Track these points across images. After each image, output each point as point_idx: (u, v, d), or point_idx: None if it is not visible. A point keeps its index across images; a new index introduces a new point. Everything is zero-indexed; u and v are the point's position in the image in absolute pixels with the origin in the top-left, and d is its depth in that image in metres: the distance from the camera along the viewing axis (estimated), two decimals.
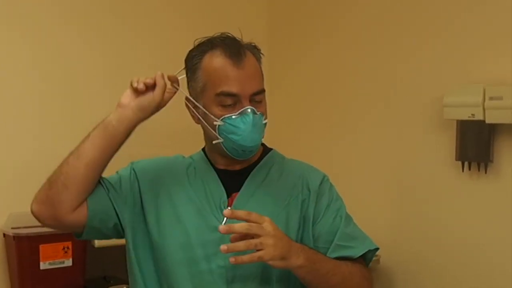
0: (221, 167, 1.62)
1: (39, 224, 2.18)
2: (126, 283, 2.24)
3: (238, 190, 1.59)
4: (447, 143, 2.05)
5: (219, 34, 1.58)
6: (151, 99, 1.50)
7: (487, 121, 1.88)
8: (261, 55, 1.61)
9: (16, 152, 2.27)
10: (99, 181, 1.58)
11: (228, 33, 1.58)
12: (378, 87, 2.32)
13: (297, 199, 1.61)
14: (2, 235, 2.19)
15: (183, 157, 1.70)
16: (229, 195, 1.59)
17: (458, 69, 2.03)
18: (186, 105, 1.60)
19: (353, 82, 2.42)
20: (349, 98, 2.44)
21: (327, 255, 1.57)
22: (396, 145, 2.24)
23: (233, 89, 1.51)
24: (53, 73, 2.35)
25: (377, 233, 2.05)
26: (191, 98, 1.56)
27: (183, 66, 1.60)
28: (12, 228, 2.16)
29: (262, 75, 1.59)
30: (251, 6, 2.78)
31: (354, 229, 1.66)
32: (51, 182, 1.56)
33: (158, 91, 1.50)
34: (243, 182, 1.61)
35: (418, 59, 2.16)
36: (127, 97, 1.53)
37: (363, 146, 2.37)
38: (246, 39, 1.58)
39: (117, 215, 1.58)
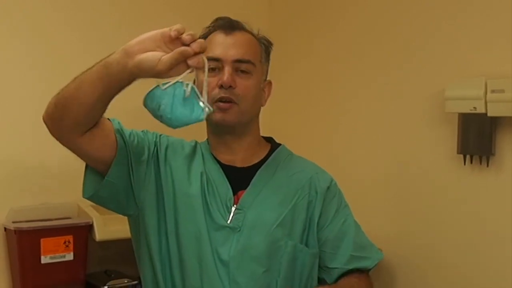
0: (223, 160, 1.62)
1: (40, 218, 2.21)
2: (127, 277, 2.26)
3: (245, 188, 1.59)
4: (448, 136, 2.04)
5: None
6: (155, 58, 1.25)
7: (489, 114, 1.87)
8: (265, 41, 1.64)
9: (17, 147, 2.26)
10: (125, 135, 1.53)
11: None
12: (379, 81, 2.31)
13: (304, 200, 1.60)
14: (3, 229, 2.19)
15: (197, 143, 1.69)
16: (235, 192, 1.58)
17: (460, 62, 2.02)
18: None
19: (354, 76, 2.42)
20: (350, 92, 2.43)
21: (343, 266, 1.59)
22: (397, 138, 2.24)
23: (216, 53, 1.54)
24: (53, 70, 2.34)
25: (378, 227, 2.06)
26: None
27: None
28: (13, 222, 2.16)
29: (258, 53, 1.61)
30: (252, 5, 2.77)
31: (363, 237, 1.67)
32: (55, 102, 1.48)
33: (172, 55, 1.23)
34: (248, 180, 1.60)
35: (419, 52, 2.16)
36: (141, 43, 1.28)
37: (365, 140, 2.36)
38: None
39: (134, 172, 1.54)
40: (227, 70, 1.53)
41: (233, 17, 1.65)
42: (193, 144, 1.67)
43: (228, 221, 1.53)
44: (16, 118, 2.27)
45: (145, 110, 1.38)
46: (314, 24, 2.59)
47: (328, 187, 1.64)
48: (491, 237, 1.95)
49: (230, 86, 1.53)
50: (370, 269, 1.66)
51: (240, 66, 1.55)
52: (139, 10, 2.53)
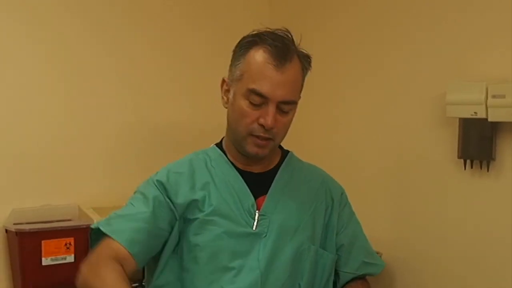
0: (240, 166, 1.60)
1: (41, 220, 2.21)
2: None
3: (264, 193, 1.58)
4: (449, 141, 2.05)
5: (275, 29, 1.54)
6: None
7: (489, 119, 1.87)
8: (309, 65, 1.58)
9: (19, 148, 2.27)
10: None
11: (286, 30, 1.54)
12: (380, 85, 2.31)
13: (321, 206, 1.61)
14: (4, 231, 2.19)
15: (196, 154, 1.64)
16: (255, 198, 1.56)
17: (461, 67, 2.03)
18: (221, 84, 1.59)
19: (354, 80, 2.42)
20: (350, 96, 2.44)
21: (354, 271, 1.62)
22: (398, 142, 2.24)
23: (264, 90, 1.47)
24: (56, 71, 2.35)
25: (378, 231, 2.06)
26: (226, 80, 1.56)
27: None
28: (15, 224, 2.16)
29: (301, 87, 1.56)
30: (253, 5, 2.78)
31: (370, 244, 1.69)
32: None
33: None
34: (267, 185, 1.58)
35: (420, 56, 2.16)
36: None
37: (365, 144, 2.36)
38: None
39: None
40: (271, 111, 1.48)
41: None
42: (194, 158, 1.63)
43: (254, 228, 1.53)
44: (18, 121, 2.28)
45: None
46: (313, 28, 2.59)
47: (341, 195, 1.67)
48: (491, 242, 1.95)
49: (271, 128, 1.50)
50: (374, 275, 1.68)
51: (284, 107, 1.50)
52: (141, 8, 2.54)
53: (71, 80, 2.38)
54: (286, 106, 1.51)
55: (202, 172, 1.58)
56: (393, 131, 2.26)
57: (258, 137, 1.51)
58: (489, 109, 1.87)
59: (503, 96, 1.83)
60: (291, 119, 1.56)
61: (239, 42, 1.56)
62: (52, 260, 2.15)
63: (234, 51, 1.56)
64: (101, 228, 1.51)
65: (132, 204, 1.55)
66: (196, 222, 1.52)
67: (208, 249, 1.50)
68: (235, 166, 1.59)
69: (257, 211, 1.54)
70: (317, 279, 1.57)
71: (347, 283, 1.64)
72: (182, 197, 1.53)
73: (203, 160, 1.61)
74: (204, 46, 2.61)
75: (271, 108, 1.48)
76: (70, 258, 2.19)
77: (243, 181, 1.57)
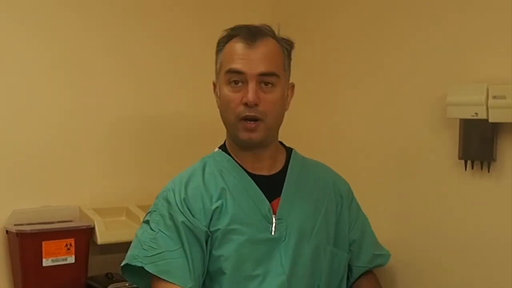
0: (250, 169, 1.59)
1: (42, 221, 2.21)
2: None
3: (275, 197, 1.57)
4: (450, 142, 2.05)
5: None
6: None
7: (490, 120, 1.87)
8: (289, 46, 1.61)
9: (19, 149, 2.27)
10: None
11: (265, 25, 1.60)
12: (381, 85, 2.31)
13: (332, 204, 1.62)
14: (5, 232, 2.19)
15: (203, 162, 1.62)
16: (269, 202, 1.57)
17: (461, 67, 2.02)
18: (213, 89, 1.60)
19: (354, 80, 2.42)
20: (350, 97, 2.44)
21: (367, 264, 1.63)
22: (398, 143, 2.24)
23: (239, 66, 1.50)
24: (55, 71, 2.35)
25: (379, 231, 2.05)
26: (215, 82, 1.57)
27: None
28: (15, 224, 2.16)
29: (282, 62, 1.56)
30: (254, 3, 2.78)
31: (375, 235, 1.70)
32: None
33: None
34: (278, 188, 1.59)
35: (420, 57, 2.16)
36: None
37: (365, 144, 2.36)
38: None
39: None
40: (251, 87, 1.49)
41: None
42: (206, 163, 1.62)
43: (272, 233, 1.52)
44: (19, 121, 2.27)
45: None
46: (312, 29, 2.59)
47: (348, 190, 1.67)
48: (491, 243, 1.95)
49: (255, 104, 1.50)
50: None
51: (264, 79, 1.51)
52: (141, 4, 2.53)
53: (72, 81, 2.38)
54: (267, 78, 1.52)
55: (216, 180, 1.57)
56: (393, 132, 2.26)
57: (246, 120, 1.51)
58: (489, 110, 1.87)
59: (504, 97, 1.83)
60: (279, 98, 1.55)
61: (217, 42, 1.59)
62: (52, 261, 2.15)
63: (215, 52, 1.59)
64: (155, 273, 1.50)
65: (164, 233, 1.52)
66: (218, 233, 1.51)
67: (232, 259, 1.49)
68: (245, 170, 1.59)
69: (273, 216, 1.53)
70: (333, 278, 1.58)
71: (358, 277, 1.65)
72: (204, 211, 1.52)
73: (214, 166, 1.60)
74: (205, 45, 2.61)
75: (251, 84, 1.50)
76: (71, 259, 2.19)
77: (256, 186, 1.56)
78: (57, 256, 2.16)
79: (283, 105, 1.58)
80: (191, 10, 2.64)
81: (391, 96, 2.28)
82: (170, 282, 1.46)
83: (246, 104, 1.49)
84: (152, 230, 1.53)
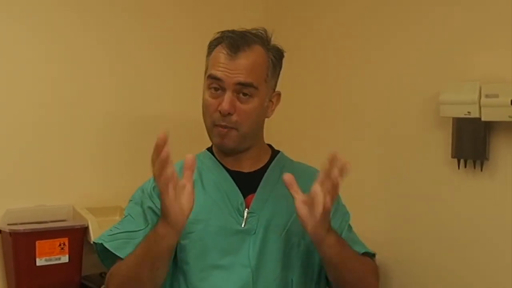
0: (229, 166, 1.62)
1: (35, 220, 2.21)
2: None
3: (253, 192, 1.59)
4: (443, 141, 2.05)
5: (252, 29, 1.60)
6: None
7: (483, 119, 1.88)
8: (278, 58, 1.61)
9: (13, 148, 2.27)
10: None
11: (261, 29, 1.60)
12: (374, 85, 2.32)
13: None
14: None
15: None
16: (244, 197, 1.58)
17: (454, 66, 2.03)
18: None
19: (348, 80, 2.43)
20: (344, 96, 2.44)
21: None
22: (392, 142, 2.25)
23: (218, 73, 1.53)
24: (49, 72, 2.34)
25: (373, 231, 2.06)
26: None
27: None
28: (8, 224, 2.16)
29: (264, 74, 1.57)
30: (248, 4, 2.78)
31: (355, 236, 1.69)
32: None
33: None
34: (255, 184, 1.60)
35: (414, 56, 2.17)
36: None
37: (359, 144, 2.37)
38: None
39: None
40: (227, 95, 1.51)
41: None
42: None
43: (243, 225, 1.54)
44: (14, 121, 2.27)
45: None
46: (307, 29, 2.59)
47: None
48: (485, 241, 1.96)
49: (229, 113, 1.52)
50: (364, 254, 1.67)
51: (242, 89, 1.52)
52: (136, 3, 2.53)
53: (66, 82, 2.38)
54: (244, 89, 1.53)
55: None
56: (387, 131, 2.27)
57: (220, 126, 1.53)
58: (482, 109, 1.87)
59: (497, 96, 1.84)
60: (255, 108, 1.56)
61: (208, 45, 1.62)
62: (46, 260, 2.15)
63: (206, 54, 1.62)
64: (111, 249, 1.54)
65: (131, 216, 1.59)
66: None
67: (195, 249, 1.52)
68: (224, 167, 1.61)
69: (246, 209, 1.55)
70: (309, 273, 1.58)
71: None
72: None
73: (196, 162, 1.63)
74: (197, 47, 2.61)
75: (228, 93, 1.52)
76: (65, 259, 2.19)
77: (231, 180, 1.59)
78: (50, 255, 2.16)
79: (260, 115, 1.60)
80: (184, 12, 2.64)
81: (383, 95, 2.28)
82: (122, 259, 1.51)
83: (220, 112, 1.52)
84: (124, 215, 1.62)
